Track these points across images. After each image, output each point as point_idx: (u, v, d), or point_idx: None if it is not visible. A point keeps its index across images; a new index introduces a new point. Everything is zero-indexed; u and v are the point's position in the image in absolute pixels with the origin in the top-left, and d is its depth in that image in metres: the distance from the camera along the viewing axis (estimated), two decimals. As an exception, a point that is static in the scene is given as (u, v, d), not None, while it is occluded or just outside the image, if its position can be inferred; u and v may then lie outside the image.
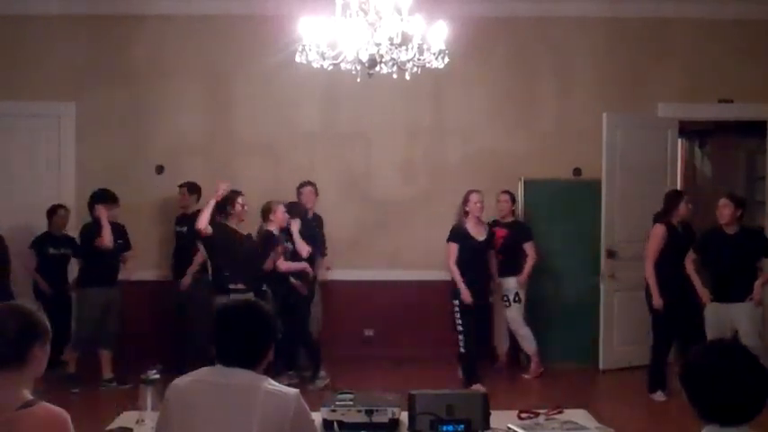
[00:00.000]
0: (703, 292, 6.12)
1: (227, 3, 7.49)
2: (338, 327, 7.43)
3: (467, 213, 6.63)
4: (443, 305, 7.36)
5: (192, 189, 7.24)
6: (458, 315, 6.57)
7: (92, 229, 6.67)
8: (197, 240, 6.62)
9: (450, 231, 6.71)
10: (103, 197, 6.73)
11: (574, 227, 7.52)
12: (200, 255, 6.89)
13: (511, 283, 7.12)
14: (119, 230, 6.86)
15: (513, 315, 7.15)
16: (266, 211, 6.66)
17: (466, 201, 6.64)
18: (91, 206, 6.73)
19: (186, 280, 7.01)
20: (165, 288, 7.25)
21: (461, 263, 6.56)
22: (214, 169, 7.65)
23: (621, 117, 7.34)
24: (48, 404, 2.24)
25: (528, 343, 7.17)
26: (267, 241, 6.58)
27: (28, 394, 2.24)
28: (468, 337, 6.56)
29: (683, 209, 6.51)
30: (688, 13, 7.60)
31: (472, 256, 6.60)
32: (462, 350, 6.59)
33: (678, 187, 7.69)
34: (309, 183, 7.24)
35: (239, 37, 7.54)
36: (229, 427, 2.43)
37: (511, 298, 7.13)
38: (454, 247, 6.61)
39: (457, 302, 6.57)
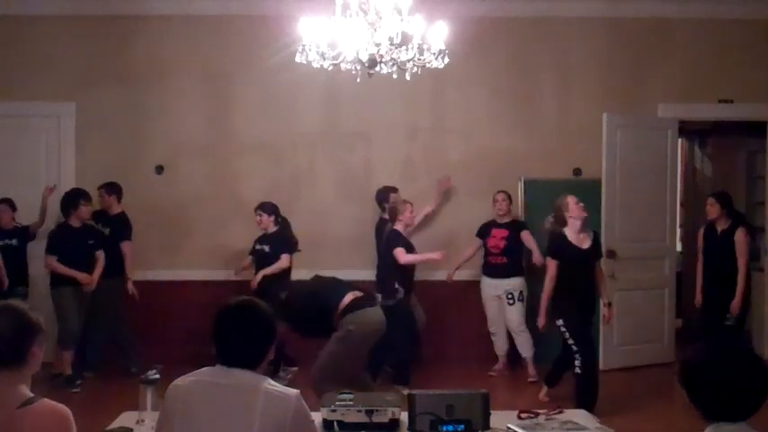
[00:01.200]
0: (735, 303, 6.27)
1: (227, 3, 7.49)
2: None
3: (564, 222, 5.91)
4: (443, 305, 7.37)
5: (111, 189, 7.12)
6: (568, 333, 5.83)
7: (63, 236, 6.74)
8: None
9: (549, 245, 6.07)
10: (83, 194, 6.80)
11: (574, 227, 7.51)
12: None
13: (516, 283, 7.09)
14: (92, 231, 6.90)
15: (514, 315, 7.09)
16: (394, 211, 6.68)
17: (565, 206, 5.91)
18: (73, 206, 6.74)
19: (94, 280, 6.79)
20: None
21: (565, 277, 5.86)
22: (214, 169, 7.66)
23: (621, 117, 7.34)
24: (49, 400, 2.26)
25: (526, 347, 7.06)
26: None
27: (28, 392, 2.25)
28: (587, 355, 5.80)
29: (707, 211, 6.62)
30: (688, 13, 7.60)
31: (578, 268, 5.88)
32: (578, 370, 5.77)
33: (678, 188, 7.71)
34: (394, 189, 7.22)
35: (239, 37, 7.53)
36: (229, 426, 2.44)
37: (516, 296, 7.04)
38: (554, 266, 5.88)
39: (561, 322, 5.85)
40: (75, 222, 6.79)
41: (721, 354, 2.18)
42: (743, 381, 2.11)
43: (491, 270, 7.13)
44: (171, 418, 2.51)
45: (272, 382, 2.54)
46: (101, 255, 6.87)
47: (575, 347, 5.79)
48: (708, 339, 2.26)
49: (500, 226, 7.16)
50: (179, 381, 2.57)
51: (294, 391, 2.53)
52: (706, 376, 2.14)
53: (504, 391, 6.49)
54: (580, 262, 5.89)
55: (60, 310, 6.63)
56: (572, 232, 5.90)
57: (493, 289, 7.13)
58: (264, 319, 2.60)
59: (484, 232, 7.23)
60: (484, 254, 7.21)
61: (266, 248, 6.87)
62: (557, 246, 5.94)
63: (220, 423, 2.44)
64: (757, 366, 2.14)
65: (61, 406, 2.26)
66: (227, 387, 2.49)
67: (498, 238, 7.10)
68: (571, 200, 5.93)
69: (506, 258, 7.08)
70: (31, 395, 2.25)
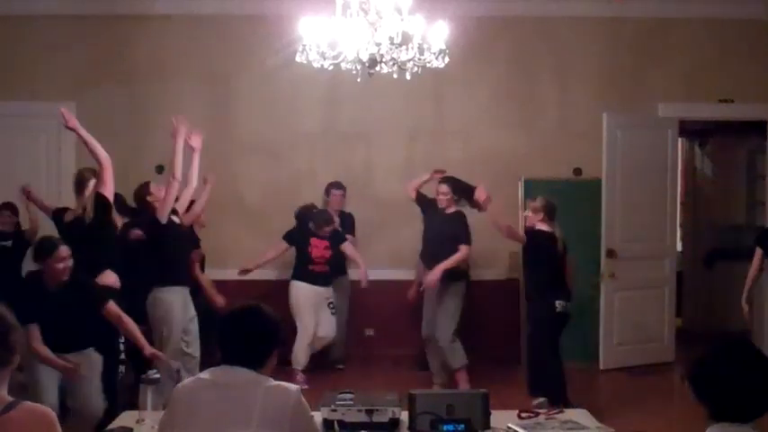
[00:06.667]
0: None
1: (227, 3, 7.50)
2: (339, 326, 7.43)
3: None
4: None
5: None
6: None
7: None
8: None
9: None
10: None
11: (574, 227, 7.50)
12: None
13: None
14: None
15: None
16: None
17: None
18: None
19: None
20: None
21: None
22: (214, 169, 7.64)
23: (621, 117, 7.33)
24: (30, 403, 2.20)
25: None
26: None
27: (6, 395, 2.18)
28: None
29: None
30: (688, 13, 7.60)
31: None
32: None
33: (678, 188, 7.70)
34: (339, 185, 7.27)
35: (239, 37, 7.54)
36: (230, 421, 2.49)
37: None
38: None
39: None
40: None
41: (731, 354, 2.18)
42: (752, 382, 2.11)
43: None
44: (174, 417, 2.58)
45: (272, 380, 2.58)
46: None
47: None
48: (718, 339, 2.26)
49: (322, 237, 6.84)
50: (184, 382, 2.66)
51: (294, 386, 2.59)
52: (715, 376, 2.14)
53: (504, 391, 6.48)
54: None
55: None
56: None
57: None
58: (266, 323, 2.64)
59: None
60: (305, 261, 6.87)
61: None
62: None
63: (221, 418, 2.50)
64: (764, 367, 2.14)
65: (44, 408, 2.20)
66: (228, 385, 2.54)
67: (321, 248, 6.84)
68: None
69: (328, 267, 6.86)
70: (11, 399, 2.16)
